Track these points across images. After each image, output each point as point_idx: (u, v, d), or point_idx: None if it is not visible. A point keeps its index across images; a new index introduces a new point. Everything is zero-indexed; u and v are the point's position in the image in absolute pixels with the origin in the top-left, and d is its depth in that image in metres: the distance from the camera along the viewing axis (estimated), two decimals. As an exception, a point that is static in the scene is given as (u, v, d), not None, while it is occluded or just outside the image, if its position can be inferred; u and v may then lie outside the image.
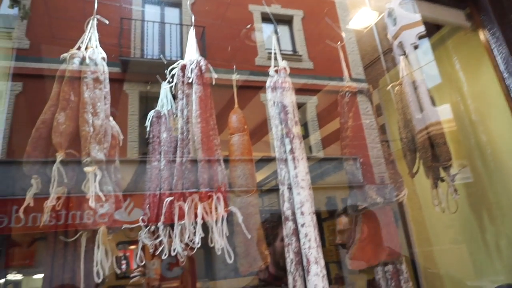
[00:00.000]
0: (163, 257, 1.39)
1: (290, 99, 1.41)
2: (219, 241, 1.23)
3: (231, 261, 1.26)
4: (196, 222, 1.27)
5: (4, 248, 2.18)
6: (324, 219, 4.77)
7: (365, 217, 1.49)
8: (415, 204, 1.97)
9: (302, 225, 1.23)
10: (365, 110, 2.21)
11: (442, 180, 1.72)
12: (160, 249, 1.39)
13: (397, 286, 1.86)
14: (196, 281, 4.39)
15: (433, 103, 1.83)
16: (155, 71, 1.79)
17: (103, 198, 1.06)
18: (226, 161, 1.51)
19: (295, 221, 1.27)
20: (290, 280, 1.29)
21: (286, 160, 1.34)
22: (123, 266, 5.75)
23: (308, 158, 1.37)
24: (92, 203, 1.02)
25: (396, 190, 1.39)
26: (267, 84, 1.51)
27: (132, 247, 5.92)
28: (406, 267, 1.91)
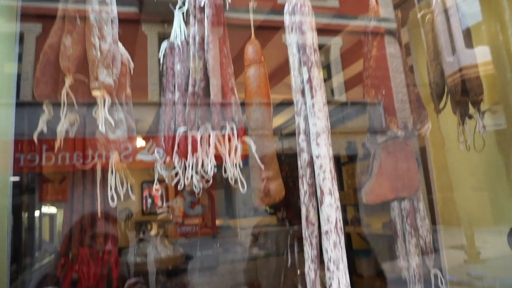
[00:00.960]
0: (179, 187, 1.41)
1: (310, 24, 1.30)
2: (232, 171, 1.22)
3: (243, 191, 1.26)
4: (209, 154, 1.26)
5: (38, 185, 2.30)
6: (343, 163, 4.77)
7: (384, 151, 1.44)
8: (438, 143, 1.89)
9: (317, 156, 1.20)
10: (392, 52, 2.06)
11: (470, 117, 1.62)
12: (176, 180, 1.40)
13: (412, 223, 1.86)
14: (216, 218, 4.57)
15: (469, 42, 1.66)
16: (172, 9, 1.70)
17: (113, 123, 1.05)
18: (243, 105, 1.46)
19: (310, 152, 1.23)
20: (303, 211, 1.29)
21: (303, 90, 1.27)
22: (149, 205, 6.06)
23: (329, 102, 1.30)
24: (102, 128, 1.01)
25: (419, 123, 1.31)
26: (285, 9, 1.40)
27: (157, 186, 6.18)
28: (424, 205, 1.89)
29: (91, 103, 1.14)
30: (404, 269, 1.90)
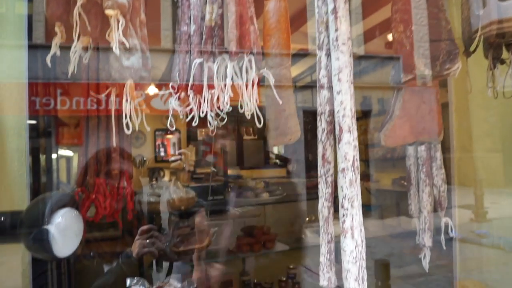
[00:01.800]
0: (193, 124, 1.39)
1: None
2: (249, 105, 1.18)
3: (260, 126, 1.23)
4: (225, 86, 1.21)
5: (54, 128, 2.31)
6: (357, 118, 4.68)
7: (408, 92, 1.37)
8: (463, 90, 1.80)
9: (338, 93, 1.14)
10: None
11: (502, 62, 1.52)
12: (190, 117, 1.38)
13: (428, 172, 1.83)
14: (228, 168, 4.63)
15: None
16: None
17: (127, 45, 1.01)
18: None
19: (330, 89, 1.18)
20: (319, 149, 1.26)
21: (326, 22, 1.19)
22: (162, 153, 6.16)
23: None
24: (116, 49, 0.97)
25: (449, 62, 1.23)
26: None
27: (169, 136, 6.25)
28: (441, 155, 1.85)
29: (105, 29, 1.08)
30: (415, 216, 1.90)
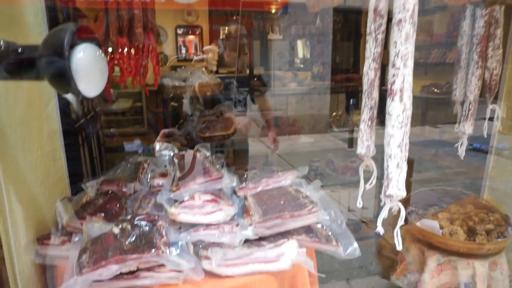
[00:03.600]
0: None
1: None
2: None
3: None
4: None
5: (74, 20, 2.15)
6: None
7: None
8: None
9: None
10: None
11: None
12: None
13: (482, 53, 1.64)
14: (253, 67, 4.44)
15: None
16: None
17: None
18: None
19: None
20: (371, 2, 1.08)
21: None
22: (183, 52, 5.96)
23: None
24: None
25: None
26: None
27: (191, 36, 5.95)
28: (502, 32, 1.63)
29: None
30: (458, 102, 1.77)
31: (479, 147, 2.57)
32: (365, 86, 1.15)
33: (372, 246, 3.32)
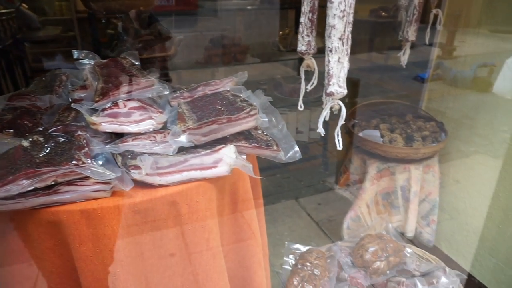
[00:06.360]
0: None
1: None
2: None
3: None
4: None
5: None
6: None
7: None
8: None
9: None
10: None
11: None
12: None
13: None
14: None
15: None
16: None
17: None
18: None
19: None
20: None
21: None
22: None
23: None
24: None
25: None
26: None
27: None
28: None
29: None
30: (403, 8, 1.71)
31: (421, 77, 2.64)
32: (305, -28, 1.03)
33: (320, 166, 3.46)
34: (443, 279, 1.68)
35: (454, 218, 2.22)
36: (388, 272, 1.74)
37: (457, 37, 2.29)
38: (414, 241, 2.14)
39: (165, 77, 2.40)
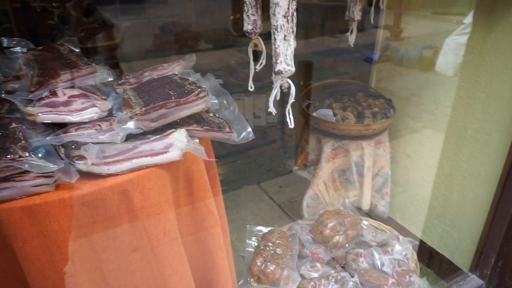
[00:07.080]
0: None
1: None
2: None
3: None
4: None
5: None
6: None
7: None
8: None
9: None
10: None
11: None
12: None
13: None
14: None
15: None
16: None
17: None
18: None
19: None
20: None
21: None
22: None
23: None
24: None
25: None
26: None
27: None
28: None
29: None
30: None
31: (371, 58, 2.74)
32: None
33: (279, 150, 3.50)
34: (397, 247, 1.77)
35: (406, 190, 2.35)
36: (347, 245, 1.82)
37: (403, 19, 2.39)
38: (370, 214, 2.24)
39: (114, 67, 2.30)
